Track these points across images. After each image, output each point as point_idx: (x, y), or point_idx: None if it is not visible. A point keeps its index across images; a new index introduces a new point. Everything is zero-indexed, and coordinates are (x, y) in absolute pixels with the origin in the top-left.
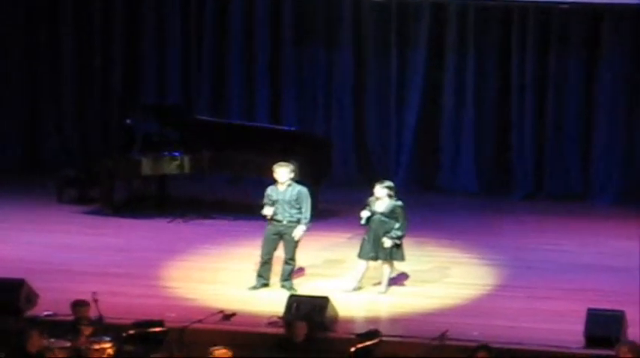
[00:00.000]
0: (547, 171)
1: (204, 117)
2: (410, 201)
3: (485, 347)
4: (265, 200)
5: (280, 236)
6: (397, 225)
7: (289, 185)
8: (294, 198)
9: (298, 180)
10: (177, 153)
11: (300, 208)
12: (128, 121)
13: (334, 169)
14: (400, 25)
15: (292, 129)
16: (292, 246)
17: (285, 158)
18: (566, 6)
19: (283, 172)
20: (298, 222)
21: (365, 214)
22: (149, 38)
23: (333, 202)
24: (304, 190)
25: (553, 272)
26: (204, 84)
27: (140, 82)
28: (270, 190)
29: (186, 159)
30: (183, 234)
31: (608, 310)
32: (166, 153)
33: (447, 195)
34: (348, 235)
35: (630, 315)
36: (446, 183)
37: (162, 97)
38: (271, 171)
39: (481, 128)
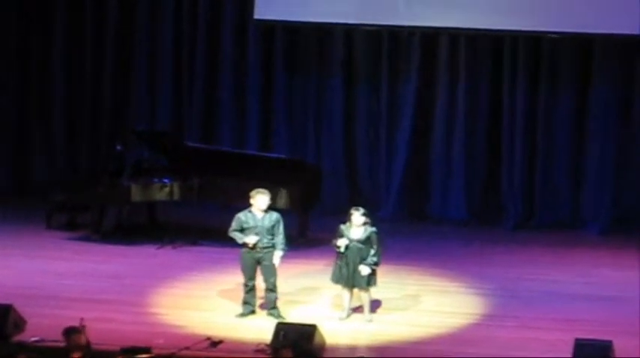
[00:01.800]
0: (537, 201)
1: (194, 144)
2: (400, 230)
3: None
4: (236, 226)
5: (258, 262)
6: (373, 252)
7: (266, 211)
8: (273, 224)
9: (284, 208)
10: (167, 180)
11: (273, 234)
12: (118, 147)
13: (324, 198)
14: (391, 55)
15: (282, 157)
16: (272, 272)
17: (274, 185)
18: (556, 36)
19: (264, 199)
20: (273, 247)
21: (343, 243)
22: (140, 64)
23: (323, 230)
24: (279, 216)
25: (542, 302)
26: (195, 110)
27: (131, 108)
28: (244, 217)
29: (176, 186)
30: (172, 261)
31: (596, 340)
32: (156, 179)
33: (436, 224)
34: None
35: (618, 345)
36: (436, 212)
37: (153, 123)
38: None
39: (471, 157)
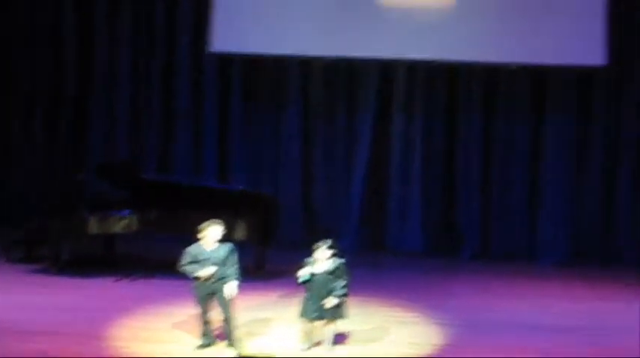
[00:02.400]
0: (493, 232)
1: (152, 176)
2: (357, 262)
3: None
4: (187, 259)
5: (213, 294)
6: (342, 283)
7: (219, 243)
8: (227, 255)
9: (242, 239)
10: (125, 212)
11: (227, 265)
12: (77, 179)
13: (282, 229)
14: (348, 85)
15: (240, 188)
16: (227, 304)
17: (232, 217)
18: (512, 67)
19: (218, 230)
20: (226, 278)
21: (304, 272)
22: (98, 95)
23: (281, 262)
24: (232, 246)
25: (499, 332)
26: (153, 142)
27: (89, 140)
28: (195, 250)
29: (134, 218)
30: (131, 293)
31: None
32: (114, 211)
33: (394, 255)
34: (295, 295)
35: None
36: (393, 244)
37: (111, 156)
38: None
39: (428, 188)
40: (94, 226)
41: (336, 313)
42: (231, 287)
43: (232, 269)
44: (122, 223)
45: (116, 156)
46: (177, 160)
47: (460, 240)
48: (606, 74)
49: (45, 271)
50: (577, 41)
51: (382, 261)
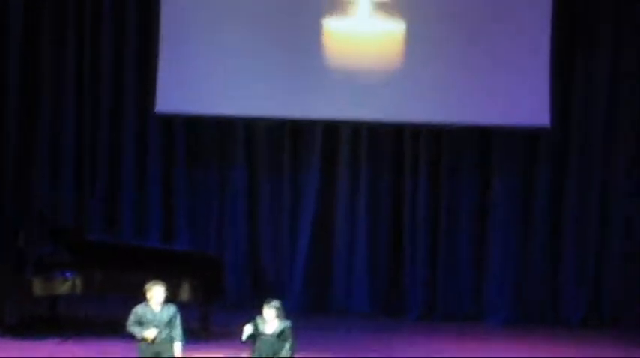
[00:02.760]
0: (440, 292)
1: (96, 237)
2: (302, 322)
3: None
4: (134, 319)
5: (156, 355)
6: (287, 345)
7: (163, 304)
8: (170, 317)
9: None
10: (69, 274)
11: (171, 327)
12: (19, 241)
13: (227, 290)
14: (293, 145)
15: (184, 249)
16: None
17: (176, 278)
18: (456, 127)
19: (160, 291)
20: (171, 340)
21: (247, 330)
22: (42, 156)
23: (226, 324)
24: (176, 308)
25: None
26: (97, 203)
27: (33, 201)
28: (141, 310)
29: (78, 279)
30: (75, 355)
31: None
32: (58, 273)
33: (340, 315)
34: (239, 356)
35: None
36: (339, 304)
37: (55, 216)
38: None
39: (374, 248)
40: (38, 287)
41: None
42: (176, 349)
43: (176, 331)
44: (67, 285)
45: (60, 217)
46: (121, 221)
47: (406, 301)
48: (551, 135)
49: None
50: (522, 101)
51: (328, 321)
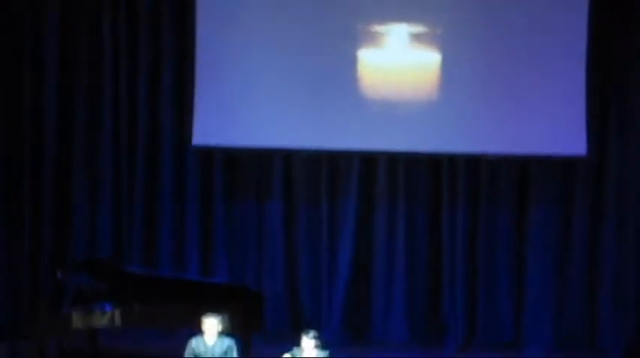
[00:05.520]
0: (479, 321)
1: (135, 270)
2: (341, 353)
3: None
4: (188, 353)
5: None
6: None
7: (218, 337)
8: (225, 351)
9: (227, 333)
10: (107, 307)
11: None
12: (58, 275)
13: (266, 323)
14: (330, 178)
15: (223, 282)
16: None
17: (215, 311)
18: (493, 157)
19: (212, 324)
20: None
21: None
22: (79, 194)
23: (265, 355)
24: (232, 342)
25: None
26: (135, 236)
27: (70, 235)
28: (195, 343)
29: (116, 312)
30: None
31: None
32: (97, 306)
33: (378, 347)
34: None
35: None
36: (378, 335)
37: (93, 250)
38: (201, 324)
39: (412, 279)
40: (77, 321)
41: None
42: None
43: None
44: (105, 317)
45: (98, 251)
46: (160, 254)
47: (445, 330)
48: (587, 164)
49: None
50: (558, 131)
51: (366, 352)
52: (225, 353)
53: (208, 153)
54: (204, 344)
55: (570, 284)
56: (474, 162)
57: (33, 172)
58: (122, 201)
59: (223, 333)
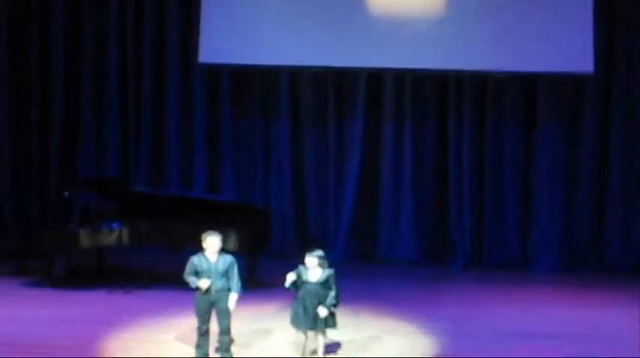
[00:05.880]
0: (486, 240)
1: (141, 188)
2: (349, 271)
3: None
4: (189, 269)
5: (212, 306)
6: (332, 294)
7: (219, 254)
8: (226, 267)
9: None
10: (115, 225)
11: (228, 277)
12: (66, 194)
13: (273, 240)
14: (337, 95)
15: (230, 199)
16: (226, 316)
17: (223, 228)
18: (501, 75)
19: (216, 242)
20: (228, 290)
21: (291, 277)
22: (86, 109)
23: (272, 273)
24: (233, 258)
25: (494, 341)
26: (142, 155)
27: (78, 153)
28: (197, 260)
29: (124, 230)
30: (123, 306)
31: None
32: (105, 224)
33: (386, 264)
34: (286, 306)
35: None
36: (385, 253)
37: (100, 169)
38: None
39: (420, 197)
40: (85, 239)
41: (326, 323)
42: (231, 300)
43: (233, 281)
44: (113, 236)
45: (106, 169)
46: (167, 172)
47: (452, 249)
48: (595, 82)
49: (37, 284)
50: (566, 49)
51: (374, 270)
52: (228, 269)
53: (215, 71)
54: (207, 261)
55: (578, 202)
56: (480, 80)
57: (41, 91)
58: (129, 120)
59: (224, 251)
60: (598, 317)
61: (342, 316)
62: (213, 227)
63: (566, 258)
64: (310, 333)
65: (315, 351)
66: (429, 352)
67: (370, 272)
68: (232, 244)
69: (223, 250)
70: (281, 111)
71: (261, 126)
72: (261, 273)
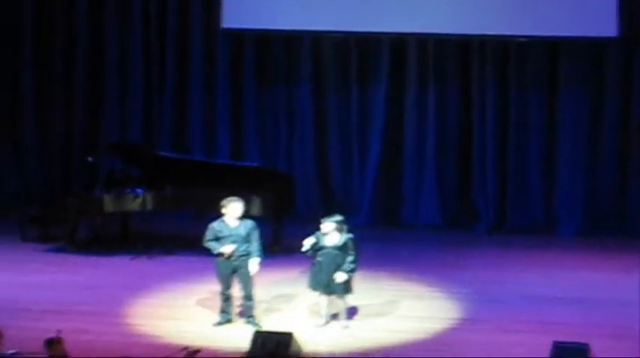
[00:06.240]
0: (510, 204)
1: (166, 154)
2: (373, 236)
3: None
4: (210, 236)
5: (234, 271)
6: (350, 258)
7: (240, 219)
8: (248, 232)
9: (257, 216)
10: (139, 190)
11: (249, 242)
12: (90, 159)
13: (297, 205)
14: (360, 60)
15: (254, 165)
16: (248, 281)
17: (246, 194)
18: (523, 39)
19: (238, 207)
20: (249, 255)
21: (308, 242)
22: (110, 76)
23: (296, 238)
24: (254, 223)
25: (518, 305)
26: (166, 120)
27: (102, 119)
28: (218, 226)
29: (148, 196)
30: (147, 271)
31: (574, 343)
32: (129, 190)
33: (409, 229)
34: (309, 271)
35: (596, 347)
36: (409, 218)
37: (124, 134)
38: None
39: (443, 162)
40: (109, 205)
41: (345, 288)
42: (252, 265)
43: (254, 246)
44: (137, 201)
45: (130, 135)
46: (191, 138)
47: (476, 214)
48: (618, 46)
49: (61, 249)
50: (589, 13)
51: (397, 235)
52: (248, 234)
53: (238, 36)
54: (227, 227)
55: (601, 166)
56: (502, 44)
57: (65, 56)
58: (152, 86)
59: (248, 216)
60: (621, 281)
61: (364, 280)
62: (237, 192)
63: (590, 222)
64: (331, 298)
65: (336, 316)
66: (449, 315)
67: (393, 237)
68: (256, 209)
69: (246, 216)
70: (304, 77)
71: (285, 92)
72: (285, 239)
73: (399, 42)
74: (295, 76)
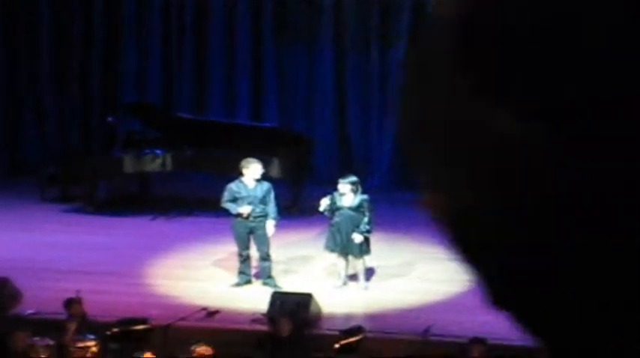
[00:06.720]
0: None
1: (185, 115)
2: (391, 198)
3: (480, 340)
4: (228, 196)
5: (251, 232)
6: (365, 220)
7: (258, 181)
8: (264, 193)
9: (276, 177)
10: (159, 151)
11: (265, 203)
12: (109, 120)
13: (315, 167)
14: (381, 20)
15: (273, 126)
16: (265, 241)
17: (266, 155)
18: None
19: (257, 168)
20: (266, 216)
21: (325, 202)
22: (129, 37)
23: (315, 200)
24: (270, 185)
25: None
26: (185, 82)
27: (120, 80)
28: (235, 187)
29: (168, 156)
30: (166, 232)
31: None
32: (148, 151)
33: None
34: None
35: None
36: None
37: (143, 95)
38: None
39: None
40: (129, 165)
41: (362, 249)
42: (269, 226)
43: (270, 207)
44: (157, 162)
45: (148, 96)
46: (209, 100)
47: None
48: None
49: (80, 210)
50: None
51: (415, 197)
52: (265, 196)
53: None
54: (245, 188)
55: None
56: None
57: (83, 15)
58: (171, 47)
59: (267, 178)
60: None
61: (382, 241)
62: (256, 154)
63: None
64: (348, 259)
65: (354, 277)
66: (465, 277)
67: (411, 198)
68: (275, 171)
69: (266, 177)
70: (324, 37)
71: (304, 53)
72: (303, 201)
73: (420, 3)
74: (315, 36)
